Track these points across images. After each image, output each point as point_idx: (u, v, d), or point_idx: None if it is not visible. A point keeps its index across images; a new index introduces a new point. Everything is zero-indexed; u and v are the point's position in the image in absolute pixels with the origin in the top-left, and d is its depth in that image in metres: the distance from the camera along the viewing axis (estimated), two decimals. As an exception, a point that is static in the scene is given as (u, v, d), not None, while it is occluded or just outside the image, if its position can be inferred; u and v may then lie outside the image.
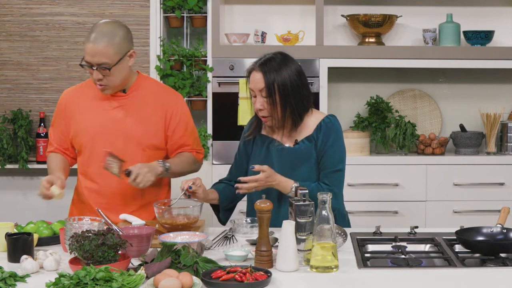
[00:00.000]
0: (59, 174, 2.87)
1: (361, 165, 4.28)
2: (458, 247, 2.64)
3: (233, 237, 2.75)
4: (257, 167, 2.75)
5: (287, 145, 2.88)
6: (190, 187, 2.75)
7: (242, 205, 3.14)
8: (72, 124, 3.02)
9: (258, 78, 2.79)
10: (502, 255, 2.48)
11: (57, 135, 3.07)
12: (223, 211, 3.00)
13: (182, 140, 3.04)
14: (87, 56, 2.84)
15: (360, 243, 2.67)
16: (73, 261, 2.27)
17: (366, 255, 2.53)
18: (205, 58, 4.38)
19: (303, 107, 2.84)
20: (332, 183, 2.85)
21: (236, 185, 2.79)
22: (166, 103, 3.02)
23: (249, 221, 2.84)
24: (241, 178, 2.78)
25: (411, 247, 2.65)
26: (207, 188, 2.91)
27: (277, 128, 2.90)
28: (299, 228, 2.42)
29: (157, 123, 3.00)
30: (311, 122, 2.88)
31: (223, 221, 3.03)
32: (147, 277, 2.18)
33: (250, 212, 2.96)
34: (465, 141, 4.38)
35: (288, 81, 2.79)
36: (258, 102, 2.81)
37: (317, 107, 4.23)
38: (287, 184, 2.78)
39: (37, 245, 2.56)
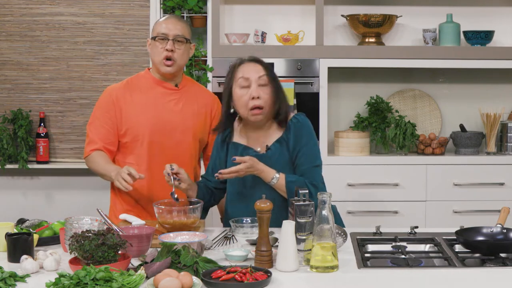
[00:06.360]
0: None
1: (361, 165, 4.28)
2: (458, 247, 2.64)
3: (233, 237, 2.75)
4: (238, 158, 2.77)
5: (258, 149, 2.89)
6: (173, 169, 2.79)
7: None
8: (124, 117, 3.11)
9: (257, 66, 2.86)
10: (502, 255, 2.48)
11: (102, 131, 3.11)
12: None
13: None
14: (164, 29, 3.10)
15: (360, 243, 2.67)
16: (73, 261, 2.27)
17: (366, 255, 2.53)
18: (205, 58, 4.38)
19: (287, 105, 2.90)
20: (313, 179, 2.84)
21: (216, 174, 2.80)
22: (210, 101, 3.25)
23: (249, 221, 2.84)
24: (222, 171, 2.79)
25: (411, 247, 2.65)
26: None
27: (261, 124, 2.90)
28: (299, 228, 2.42)
29: (205, 118, 3.20)
30: (279, 123, 2.91)
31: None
32: (147, 277, 2.18)
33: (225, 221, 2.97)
34: (465, 141, 4.38)
35: (278, 80, 2.90)
36: (254, 90, 2.82)
37: (317, 107, 4.24)
38: (269, 174, 2.81)
39: (37, 245, 2.56)
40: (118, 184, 2.87)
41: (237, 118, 2.95)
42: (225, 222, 2.98)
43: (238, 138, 2.95)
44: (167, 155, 3.10)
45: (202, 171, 3.34)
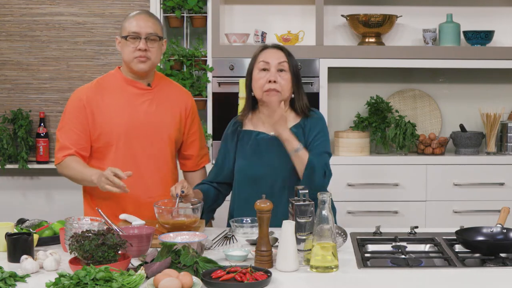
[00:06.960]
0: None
1: (361, 165, 4.28)
2: (458, 247, 2.64)
3: (233, 237, 2.75)
4: None
5: (272, 133, 2.90)
6: (183, 191, 2.75)
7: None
8: (97, 121, 2.96)
9: (279, 52, 2.91)
10: (502, 255, 2.48)
11: (74, 136, 2.96)
12: (206, 211, 2.98)
13: (196, 134, 3.18)
14: (135, 27, 2.95)
15: (360, 243, 2.67)
16: (73, 261, 2.27)
17: (366, 255, 2.53)
18: (205, 58, 4.38)
19: (305, 97, 2.94)
20: (324, 163, 2.87)
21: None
22: (183, 99, 3.14)
23: (249, 221, 2.84)
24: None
25: (411, 247, 2.65)
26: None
27: (276, 108, 2.91)
28: (299, 228, 2.42)
29: (180, 116, 3.11)
30: (296, 113, 2.96)
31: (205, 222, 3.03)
32: (147, 277, 2.18)
33: (233, 212, 2.98)
34: (465, 141, 4.38)
35: (298, 70, 2.94)
36: (272, 74, 2.87)
37: (317, 107, 4.23)
38: (294, 143, 2.79)
39: (37, 245, 2.56)
40: (107, 188, 2.69)
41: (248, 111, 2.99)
42: (231, 213, 3.00)
43: (249, 126, 2.98)
44: (142, 158, 2.99)
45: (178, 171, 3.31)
